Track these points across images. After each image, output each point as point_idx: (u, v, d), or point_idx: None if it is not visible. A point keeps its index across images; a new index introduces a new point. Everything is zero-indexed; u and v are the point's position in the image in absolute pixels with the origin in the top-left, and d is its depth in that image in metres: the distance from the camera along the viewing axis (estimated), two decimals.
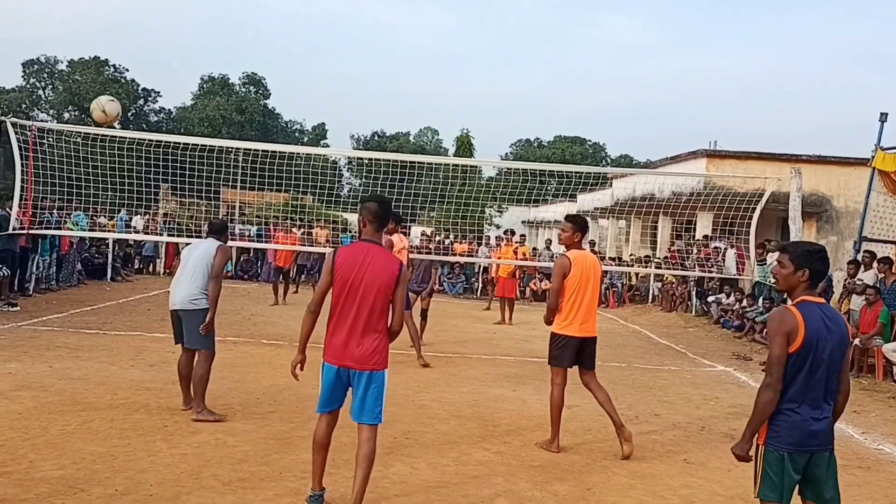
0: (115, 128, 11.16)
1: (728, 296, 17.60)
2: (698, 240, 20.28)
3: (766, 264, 15.35)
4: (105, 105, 11.42)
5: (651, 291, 22.34)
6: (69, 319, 12.61)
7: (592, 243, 27.48)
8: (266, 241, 18.54)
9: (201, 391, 6.93)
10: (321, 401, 4.92)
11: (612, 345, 13.65)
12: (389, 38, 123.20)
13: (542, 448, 6.70)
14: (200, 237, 20.16)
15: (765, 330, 14.81)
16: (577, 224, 6.87)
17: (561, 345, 6.74)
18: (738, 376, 11.40)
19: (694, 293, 19.32)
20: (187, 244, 8.60)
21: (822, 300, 4.02)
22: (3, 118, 12.06)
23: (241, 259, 23.36)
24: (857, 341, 11.67)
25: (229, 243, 8.28)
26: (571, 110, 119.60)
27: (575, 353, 6.74)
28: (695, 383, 10.60)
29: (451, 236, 23.53)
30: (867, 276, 12.61)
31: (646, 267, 21.34)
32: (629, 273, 22.84)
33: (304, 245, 18.00)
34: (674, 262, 19.00)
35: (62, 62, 69.06)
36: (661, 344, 14.68)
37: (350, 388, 4.88)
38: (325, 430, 4.93)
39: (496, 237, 23.32)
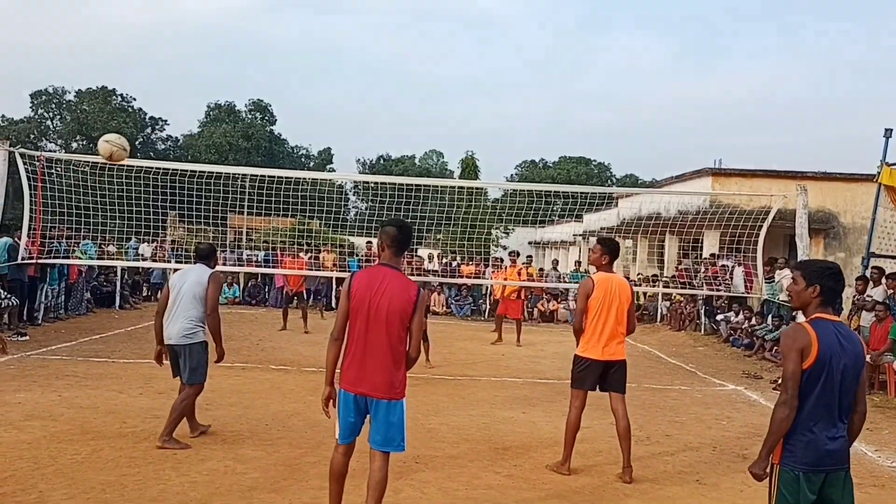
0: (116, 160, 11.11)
1: (737, 314, 17.54)
2: (706, 258, 20.24)
3: (773, 282, 15.31)
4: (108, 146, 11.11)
5: (659, 311, 22.27)
6: (78, 348, 12.63)
7: None
8: (273, 267, 18.57)
9: (176, 422, 6.81)
10: (341, 431, 4.78)
11: None
12: (393, 63, 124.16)
13: (553, 470, 6.66)
14: None
15: (775, 348, 14.79)
16: (606, 247, 6.76)
17: (582, 367, 6.64)
18: (748, 395, 11.33)
19: (702, 312, 19.25)
20: (176, 269, 8.47)
21: (837, 318, 3.99)
22: (11, 149, 12.15)
23: (249, 284, 23.40)
24: (868, 358, 11.61)
25: (236, 268, 8.29)
26: (576, 131, 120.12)
27: (598, 377, 6.64)
28: (705, 403, 10.54)
29: (458, 258, 23.54)
30: (876, 293, 12.56)
31: (653, 286, 21.29)
32: (637, 292, 22.78)
33: (312, 269, 18.02)
34: (682, 280, 18.97)
35: (70, 92, 69.76)
36: (670, 363, 14.61)
37: (368, 416, 4.78)
38: (342, 460, 4.84)
39: (493, 259, 23.25)
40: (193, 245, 21.77)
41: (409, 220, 15.69)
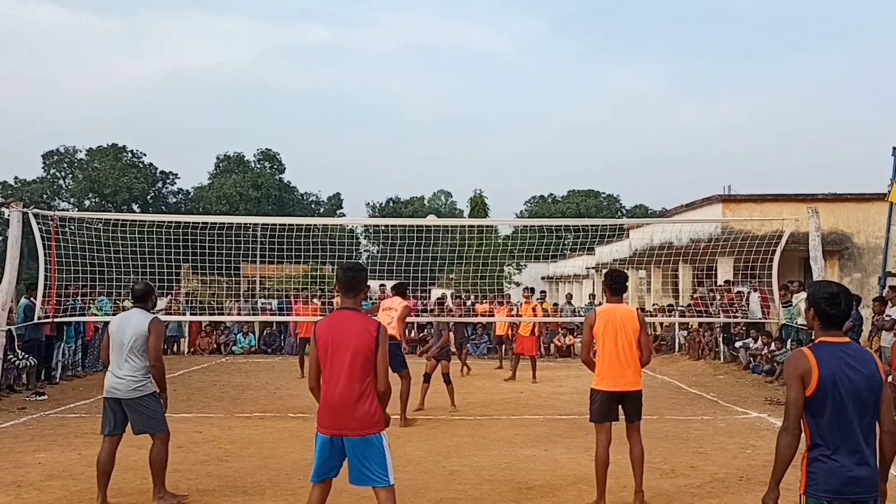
0: None
1: (756, 340, 17.38)
2: (720, 285, 20.13)
3: (791, 306, 15.19)
4: None
5: (677, 340, 22.10)
6: (96, 405, 12.58)
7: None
8: (287, 314, 18.59)
9: (162, 476, 6.55)
10: (315, 470, 5.00)
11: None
12: (398, 106, 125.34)
13: None
14: (222, 314, 20.45)
15: None
16: (605, 281, 6.97)
17: (597, 400, 6.68)
18: (772, 422, 11.18)
19: (721, 339, 19.09)
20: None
21: (845, 339, 3.88)
22: (25, 210, 12.28)
23: (265, 333, 23.42)
24: (889, 378, 11.45)
25: (251, 317, 8.17)
26: (584, 164, 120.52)
27: (614, 408, 6.66)
28: (729, 432, 10.40)
29: (472, 297, 23.50)
30: (895, 312, 12.44)
31: (669, 316, 21.17)
32: (654, 323, 22.64)
33: (324, 314, 18.02)
34: (698, 309, 18.85)
35: (81, 151, 70.80)
36: (691, 393, 14.46)
37: (346, 457, 4.95)
38: (319, 498, 5.01)
39: (498, 300, 23.19)
40: (207, 296, 21.85)
41: (421, 261, 15.84)
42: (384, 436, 4.94)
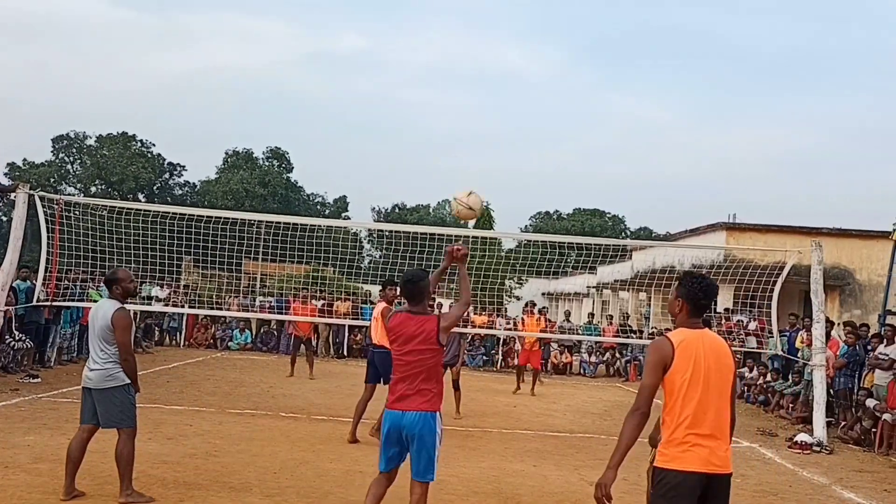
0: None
1: (751, 370, 17.36)
2: (719, 313, 20.11)
3: (784, 336, 15.22)
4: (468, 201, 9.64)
5: None
6: None
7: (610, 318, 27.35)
8: (285, 313, 18.59)
9: (129, 472, 6.32)
10: (381, 458, 5.43)
11: None
12: (414, 118, 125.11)
13: None
14: (220, 308, 20.45)
15: (790, 405, 14.61)
16: (685, 287, 4.26)
17: (668, 488, 4.00)
18: (763, 453, 11.16)
19: None
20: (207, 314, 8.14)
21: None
22: (31, 192, 12.31)
23: (262, 330, 23.42)
24: (886, 416, 11.44)
25: (248, 314, 8.06)
26: (590, 183, 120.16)
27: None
28: None
29: (471, 308, 23.48)
30: (892, 350, 12.40)
31: None
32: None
33: (322, 316, 18.04)
34: None
35: (90, 137, 70.77)
36: None
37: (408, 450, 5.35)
38: (381, 488, 5.47)
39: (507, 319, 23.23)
40: (207, 290, 21.86)
41: (423, 269, 15.82)
42: (439, 415, 5.41)
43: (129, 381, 6.37)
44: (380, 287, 10.94)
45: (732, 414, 4.14)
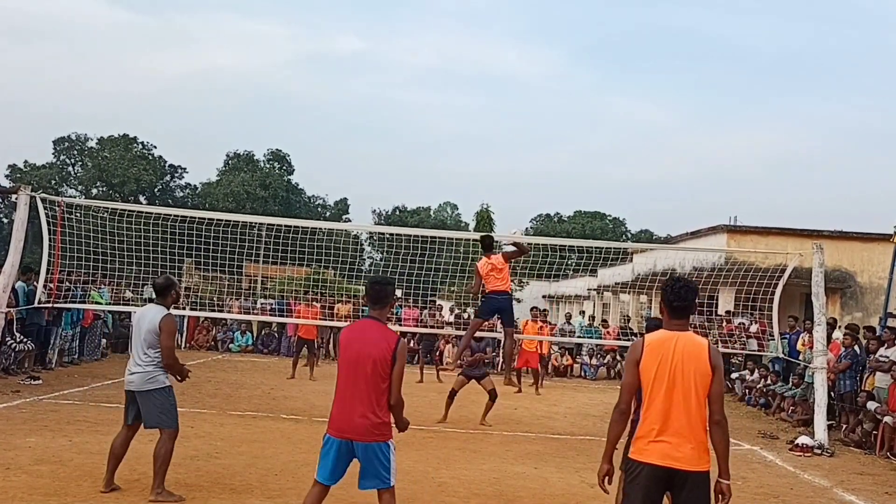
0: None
1: (752, 372, 17.34)
2: (720, 315, 20.10)
3: (785, 338, 15.20)
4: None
5: None
6: (90, 393, 12.63)
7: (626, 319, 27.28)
8: (287, 315, 18.58)
9: (163, 471, 6.53)
10: (321, 472, 5.21)
11: None
12: (414, 121, 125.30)
13: None
14: (222, 311, 20.45)
15: (791, 408, 14.59)
16: (665, 294, 4.48)
17: (632, 476, 4.35)
18: (764, 455, 11.14)
19: None
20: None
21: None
22: (33, 194, 12.33)
23: (263, 333, 23.42)
24: (887, 419, 11.42)
25: (249, 316, 8.14)
26: (591, 186, 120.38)
27: (659, 496, 4.34)
28: None
29: (471, 311, 23.47)
30: (892, 353, 12.40)
31: None
32: None
33: (325, 319, 18.03)
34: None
35: (92, 139, 70.90)
36: None
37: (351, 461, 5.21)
38: (318, 497, 5.26)
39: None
40: (207, 292, 21.86)
41: (423, 272, 15.83)
42: (391, 444, 5.19)
43: (169, 384, 6.67)
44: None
45: (713, 415, 4.30)
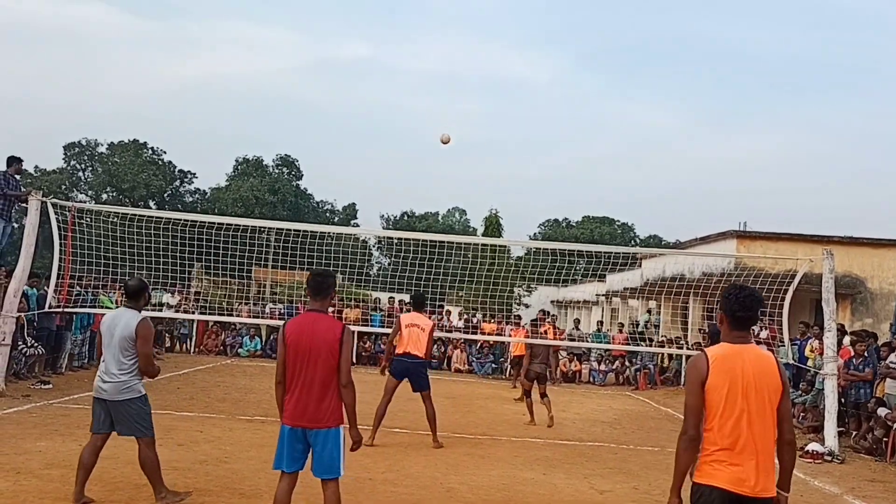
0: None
1: None
2: None
3: (796, 344, 15.14)
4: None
5: (682, 372, 21.96)
6: None
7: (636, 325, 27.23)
8: None
9: (157, 476, 6.41)
10: (280, 459, 5.50)
11: (644, 428, 13.42)
12: (422, 125, 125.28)
13: None
14: (231, 315, 20.49)
15: (801, 414, 14.53)
16: (725, 301, 4.18)
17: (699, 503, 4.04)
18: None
19: None
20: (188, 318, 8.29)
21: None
22: (44, 199, 12.40)
23: (272, 337, 23.44)
24: None
25: (258, 320, 8.10)
26: (600, 191, 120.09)
27: None
28: None
29: (480, 315, 23.49)
30: None
31: (679, 348, 21.07)
32: (663, 354, 22.52)
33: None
34: (705, 344, 18.76)
35: (102, 145, 71.15)
36: None
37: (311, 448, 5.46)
38: (286, 490, 5.55)
39: (515, 321, 23.19)
40: (217, 297, 21.88)
41: (431, 277, 15.86)
42: (342, 430, 5.48)
43: (145, 393, 6.44)
44: (413, 300, 11.61)
45: (784, 434, 4.06)
